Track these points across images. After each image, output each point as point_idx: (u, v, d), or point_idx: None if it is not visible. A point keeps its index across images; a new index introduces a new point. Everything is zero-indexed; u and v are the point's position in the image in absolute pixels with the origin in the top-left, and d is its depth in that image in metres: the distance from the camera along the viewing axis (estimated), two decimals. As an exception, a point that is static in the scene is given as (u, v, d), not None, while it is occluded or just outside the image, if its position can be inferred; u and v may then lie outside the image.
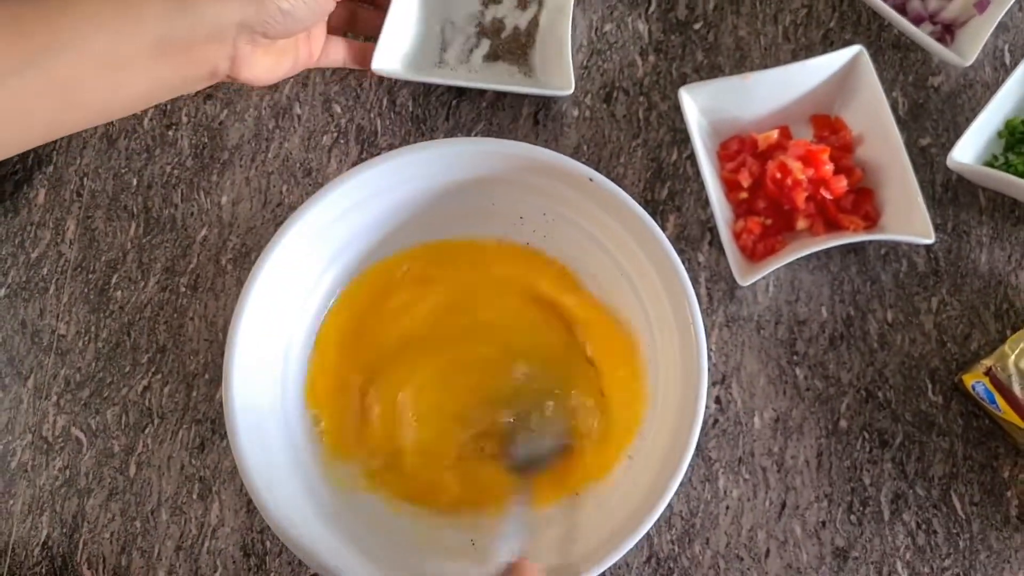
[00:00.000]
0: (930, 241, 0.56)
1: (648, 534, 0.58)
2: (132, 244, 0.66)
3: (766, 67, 0.65)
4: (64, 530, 0.61)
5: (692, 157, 0.64)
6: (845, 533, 0.57)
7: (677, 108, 0.65)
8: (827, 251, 0.62)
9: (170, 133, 0.68)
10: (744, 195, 0.60)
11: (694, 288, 0.55)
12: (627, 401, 0.57)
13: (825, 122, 0.63)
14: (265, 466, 0.53)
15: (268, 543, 0.60)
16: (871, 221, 0.60)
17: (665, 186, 0.64)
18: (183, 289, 0.65)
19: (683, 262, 0.55)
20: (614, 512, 0.53)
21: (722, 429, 0.60)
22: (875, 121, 0.60)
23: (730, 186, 0.61)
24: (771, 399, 0.60)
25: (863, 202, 0.60)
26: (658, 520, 0.58)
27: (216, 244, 0.65)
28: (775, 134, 0.60)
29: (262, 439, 0.54)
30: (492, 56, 0.67)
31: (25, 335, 0.65)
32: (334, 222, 0.57)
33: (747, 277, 0.57)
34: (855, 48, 0.59)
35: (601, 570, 0.50)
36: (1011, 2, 0.61)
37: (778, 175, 0.58)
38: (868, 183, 0.61)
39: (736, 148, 0.62)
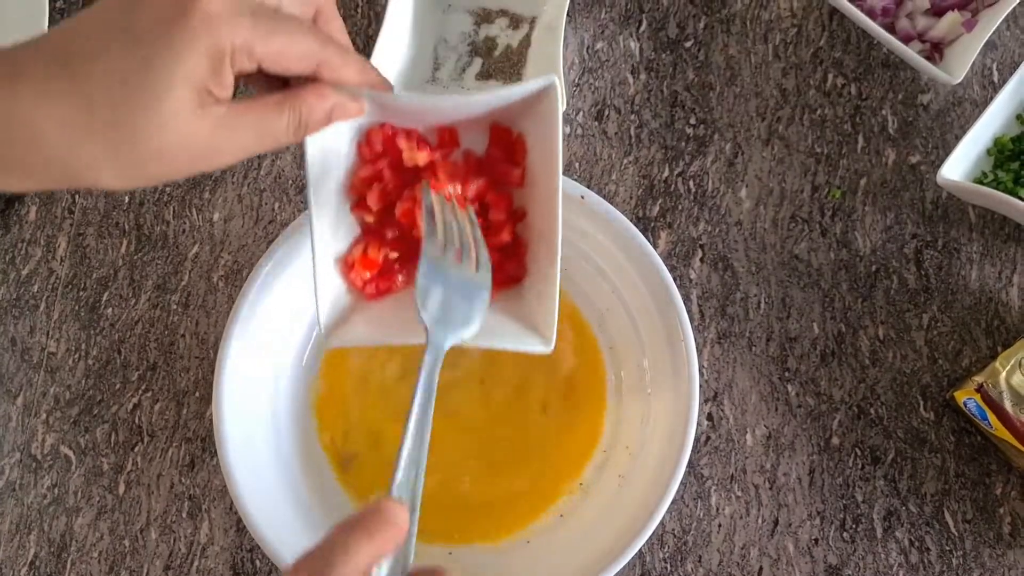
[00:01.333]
0: (546, 350, 0.45)
1: (640, 552, 0.58)
2: (123, 261, 0.66)
3: (756, 85, 0.66)
4: (52, 549, 0.61)
5: (683, 174, 0.65)
6: (838, 550, 0.57)
7: (668, 125, 0.66)
8: (818, 268, 0.62)
9: (162, 150, 0.68)
10: (370, 219, 0.46)
11: (685, 305, 0.55)
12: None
13: (505, 138, 0.47)
14: (255, 484, 0.52)
15: (258, 562, 0.60)
16: (510, 281, 0.48)
17: (656, 203, 0.64)
18: (174, 306, 0.65)
19: (674, 279, 0.55)
20: (605, 530, 0.53)
21: (714, 446, 0.60)
22: (545, 168, 0.45)
23: (359, 197, 0.46)
24: (763, 416, 0.60)
25: (510, 258, 0.47)
26: (650, 538, 0.58)
27: (208, 261, 0.65)
28: (424, 156, 0.45)
29: (252, 457, 0.53)
30: (484, 74, 0.67)
31: (15, 352, 0.65)
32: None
33: (336, 336, 0.45)
34: (548, 79, 0.42)
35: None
36: (999, 21, 0.61)
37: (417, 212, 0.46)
38: (523, 233, 0.47)
39: (379, 148, 0.45)
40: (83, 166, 0.34)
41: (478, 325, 0.44)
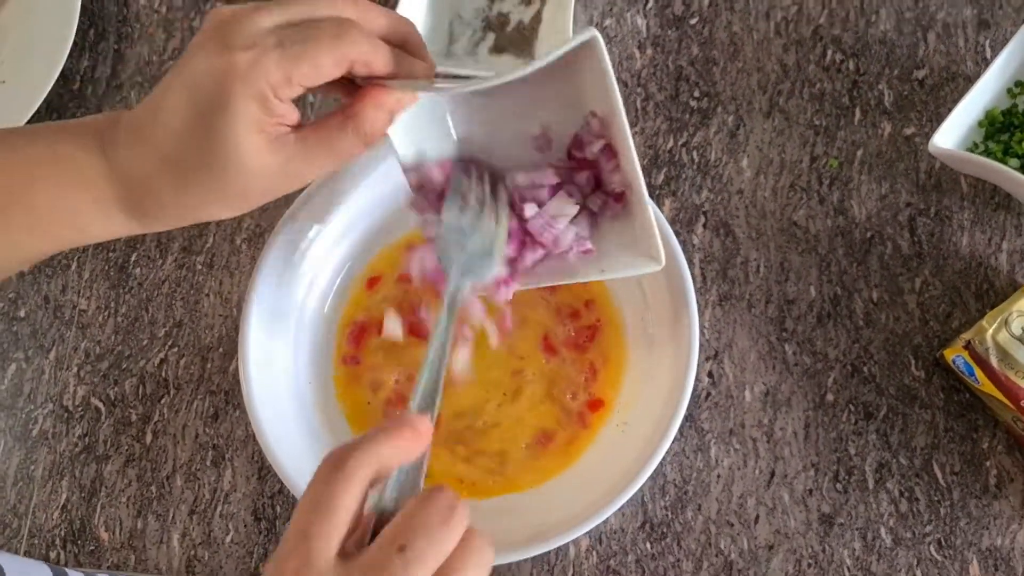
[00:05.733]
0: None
1: (642, 500, 0.61)
2: (151, 224, 0.69)
3: (758, 61, 0.69)
4: (83, 494, 0.64)
5: (687, 145, 0.67)
6: (831, 500, 0.60)
7: (673, 98, 0.69)
8: (815, 234, 0.65)
9: (189, 119, 0.71)
10: None
11: (689, 268, 0.58)
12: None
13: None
14: (277, 424, 0.56)
15: (278, 508, 0.63)
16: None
17: (661, 172, 0.67)
18: (199, 267, 0.68)
19: (679, 243, 0.58)
20: (608, 472, 0.56)
21: (714, 402, 0.62)
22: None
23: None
24: (761, 374, 0.63)
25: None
26: (652, 487, 0.61)
27: (231, 224, 0.68)
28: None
29: (274, 400, 0.57)
30: (497, 49, 0.70)
31: (48, 309, 0.68)
32: (345, 199, 0.61)
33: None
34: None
35: (594, 524, 0.53)
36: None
37: None
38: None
39: None
40: (190, 210, 0.43)
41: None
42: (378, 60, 0.41)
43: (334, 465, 0.36)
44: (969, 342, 0.57)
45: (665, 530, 0.60)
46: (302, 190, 0.68)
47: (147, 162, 0.42)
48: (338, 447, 0.38)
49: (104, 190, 0.42)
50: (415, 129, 0.49)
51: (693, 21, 0.70)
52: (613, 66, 0.69)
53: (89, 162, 0.42)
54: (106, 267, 0.68)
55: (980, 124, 0.64)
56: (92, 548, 0.63)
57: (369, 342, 0.62)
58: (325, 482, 0.36)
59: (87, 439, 0.65)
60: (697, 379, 0.62)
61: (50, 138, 0.43)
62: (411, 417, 0.39)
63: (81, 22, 0.73)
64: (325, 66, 0.39)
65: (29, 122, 0.71)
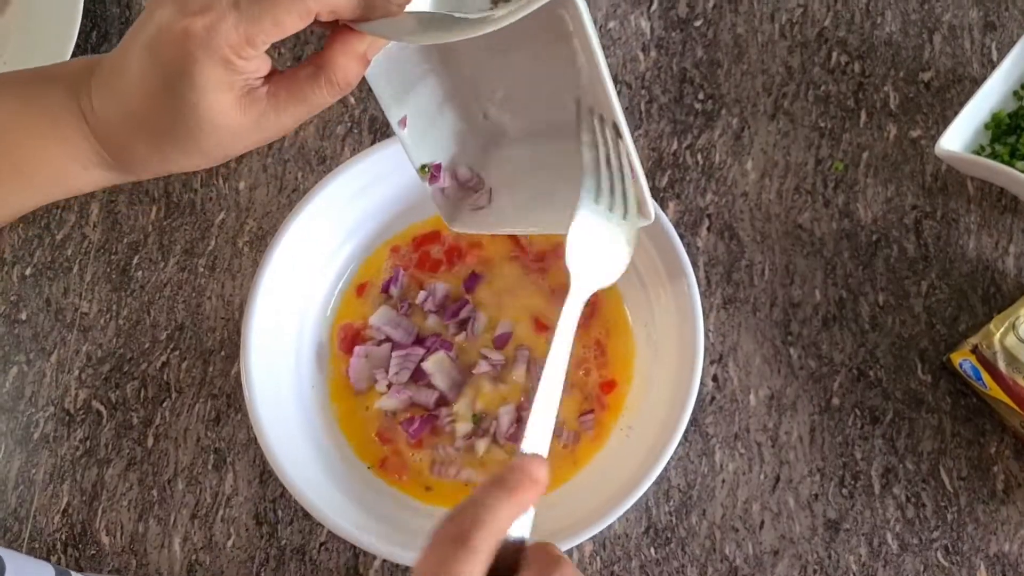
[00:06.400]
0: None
1: (647, 506, 0.60)
2: (153, 227, 0.69)
3: (763, 63, 0.68)
4: (84, 498, 0.64)
5: (692, 147, 0.67)
6: (837, 506, 0.59)
7: (678, 101, 0.68)
8: (820, 237, 0.64)
9: (191, 122, 0.71)
10: None
11: (693, 271, 0.58)
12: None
13: None
14: (279, 427, 0.55)
15: (280, 512, 0.62)
16: None
17: (665, 175, 0.67)
18: (201, 270, 0.68)
19: (683, 246, 0.58)
20: (613, 478, 0.55)
21: (719, 406, 0.62)
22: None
23: None
24: (766, 377, 0.62)
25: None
26: (657, 492, 0.60)
27: (233, 227, 0.68)
28: None
29: (276, 403, 0.56)
30: (500, 51, 0.70)
31: (49, 312, 0.68)
32: (347, 202, 0.61)
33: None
34: None
35: (598, 530, 0.53)
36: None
37: None
38: None
39: None
40: (168, 164, 0.42)
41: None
42: (344, 5, 0.38)
43: (460, 541, 0.34)
44: (976, 346, 0.57)
45: (670, 535, 0.60)
46: (304, 192, 0.68)
47: (120, 121, 0.41)
48: (458, 513, 0.35)
49: (80, 144, 0.42)
50: (399, 72, 0.45)
51: (697, 23, 0.70)
52: (617, 68, 0.69)
53: (64, 116, 0.41)
54: (108, 270, 0.68)
55: (987, 126, 0.64)
56: (93, 552, 0.63)
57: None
58: (448, 559, 0.34)
59: (88, 443, 0.65)
60: (702, 383, 0.61)
61: (24, 89, 0.43)
62: (527, 465, 0.36)
63: (83, 24, 0.73)
64: (287, 23, 0.37)
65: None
